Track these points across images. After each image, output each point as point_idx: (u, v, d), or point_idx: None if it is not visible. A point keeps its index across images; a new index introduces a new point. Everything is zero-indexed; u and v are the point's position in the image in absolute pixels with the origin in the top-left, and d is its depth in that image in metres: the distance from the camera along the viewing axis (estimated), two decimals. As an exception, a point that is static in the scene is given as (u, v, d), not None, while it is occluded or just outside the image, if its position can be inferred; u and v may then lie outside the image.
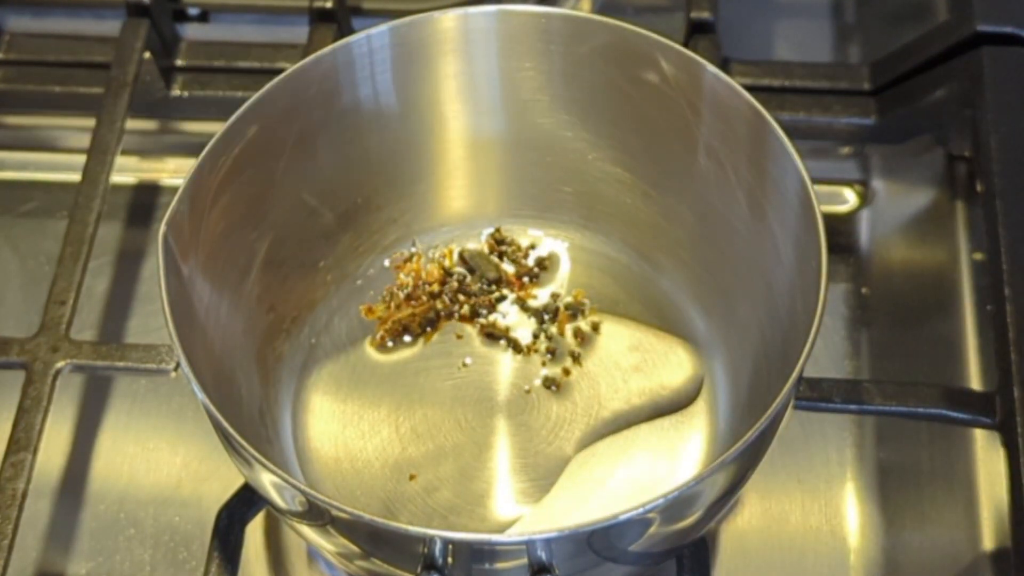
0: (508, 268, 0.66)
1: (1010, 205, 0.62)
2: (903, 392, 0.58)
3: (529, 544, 0.47)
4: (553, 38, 0.60)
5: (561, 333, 0.64)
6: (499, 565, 0.51)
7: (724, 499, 0.53)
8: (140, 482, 0.64)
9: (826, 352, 0.67)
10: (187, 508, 0.63)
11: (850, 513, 0.63)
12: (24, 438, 0.59)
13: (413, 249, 0.66)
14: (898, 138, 0.72)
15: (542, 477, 0.60)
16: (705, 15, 0.72)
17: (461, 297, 0.65)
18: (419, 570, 0.49)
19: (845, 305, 0.69)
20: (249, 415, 0.59)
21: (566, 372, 0.63)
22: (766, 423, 0.48)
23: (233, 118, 0.56)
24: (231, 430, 0.49)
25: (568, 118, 0.63)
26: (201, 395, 0.50)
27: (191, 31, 0.77)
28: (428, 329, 0.64)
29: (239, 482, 0.58)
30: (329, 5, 0.72)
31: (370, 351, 0.64)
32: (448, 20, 0.60)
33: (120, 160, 0.68)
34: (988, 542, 0.59)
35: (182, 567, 0.62)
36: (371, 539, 0.51)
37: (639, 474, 0.59)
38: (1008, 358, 0.58)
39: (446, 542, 0.48)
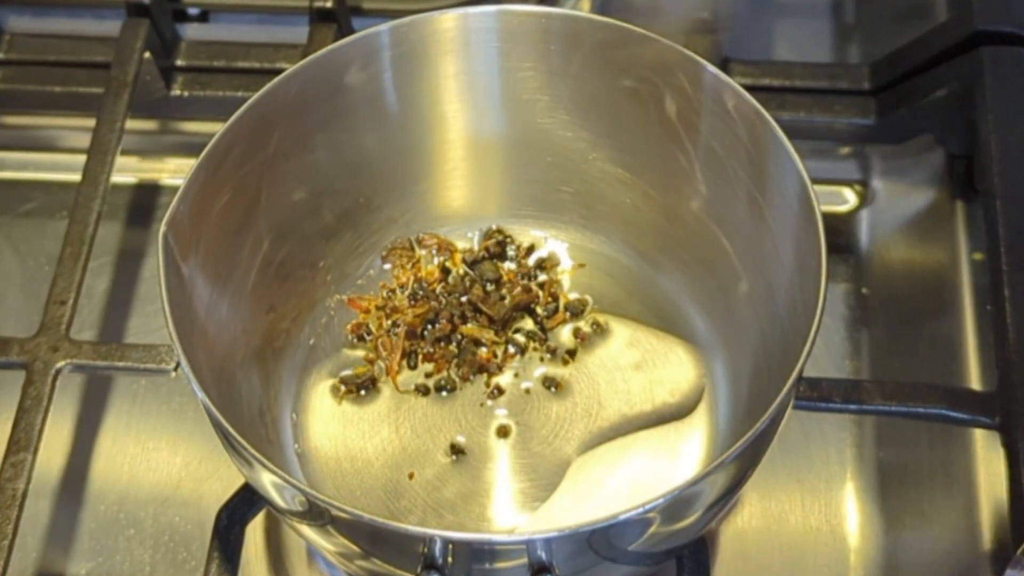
0: (508, 268, 0.66)
1: (1010, 205, 0.62)
2: (903, 392, 0.58)
3: (529, 544, 0.48)
4: (553, 38, 0.60)
5: (550, 328, 0.64)
6: (499, 565, 0.51)
7: (724, 499, 0.53)
8: (140, 482, 0.64)
9: (826, 352, 0.67)
10: (187, 508, 0.63)
11: (850, 513, 0.63)
12: (24, 438, 0.59)
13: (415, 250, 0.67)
14: (898, 138, 0.72)
15: (542, 477, 0.60)
16: (705, 15, 0.72)
17: (461, 298, 0.65)
18: (419, 570, 0.49)
19: (845, 305, 0.69)
20: (249, 415, 0.59)
21: (566, 369, 0.63)
22: (766, 423, 0.48)
23: (233, 118, 0.56)
24: (231, 430, 0.49)
25: (568, 118, 0.63)
26: (201, 395, 0.50)
27: (191, 31, 0.77)
28: (428, 329, 0.64)
29: (239, 482, 0.58)
30: (329, 5, 0.72)
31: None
32: (448, 20, 0.60)
33: (120, 160, 0.68)
34: (988, 542, 0.59)
35: (182, 567, 0.62)
36: (371, 539, 0.51)
37: (639, 474, 0.59)
38: (1008, 358, 0.58)
39: (446, 542, 0.48)
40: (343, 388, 0.62)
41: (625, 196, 0.64)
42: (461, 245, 0.67)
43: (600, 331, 0.64)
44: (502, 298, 0.65)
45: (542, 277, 0.66)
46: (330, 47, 0.60)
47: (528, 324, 0.64)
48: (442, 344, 0.63)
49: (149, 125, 0.76)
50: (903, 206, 0.73)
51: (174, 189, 0.56)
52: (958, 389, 0.61)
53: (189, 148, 0.74)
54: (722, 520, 0.62)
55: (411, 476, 0.60)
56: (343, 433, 0.61)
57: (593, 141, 0.64)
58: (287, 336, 0.63)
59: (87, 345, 0.62)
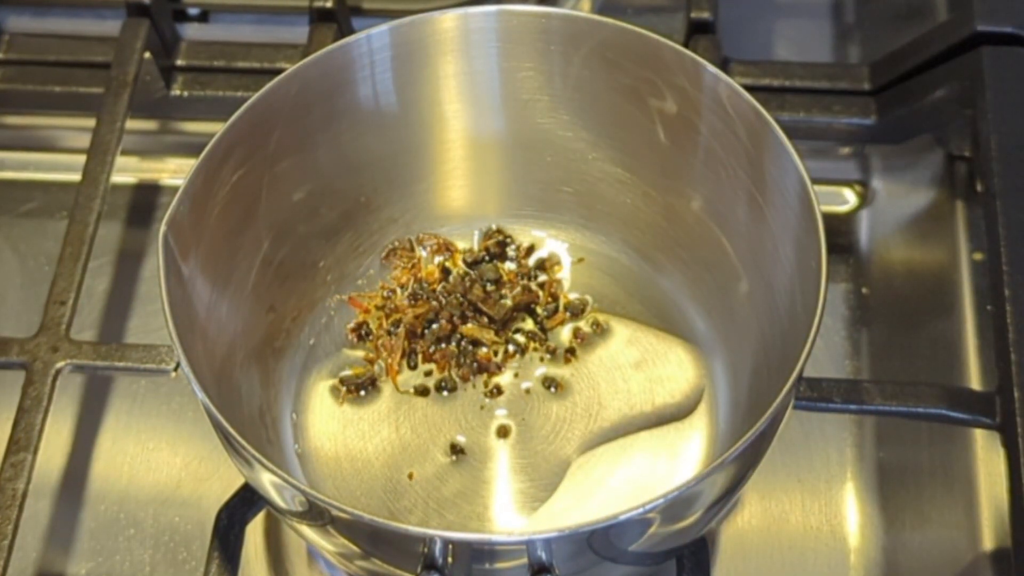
0: (509, 268, 0.66)
1: (1010, 205, 0.62)
2: (903, 392, 0.58)
3: (529, 544, 0.48)
4: (553, 38, 0.60)
5: (550, 328, 0.64)
6: (499, 565, 0.51)
7: (724, 499, 0.53)
8: (140, 482, 0.64)
9: (826, 352, 0.67)
10: (187, 508, 0.63)
11: (850, 513, 0.63)
12: (24, 438, 0.59)
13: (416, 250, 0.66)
14: (898, 138, 0.72)
15: (542, 477, 0.60)
16: (705, 15, 0.72)
17: (461, 298, 0.65)
18: (419, 570, 0.49)
19: (845, 305, 0.69)
20: (249, 415, 0.59)
21: (566, 369, 0.63)
22: (766, 423, 0.48)
23: (233, 118, 0.56)
24: (231, 430, 0.49)
25: (568, 118, 0.63)
26: (201, 395, 0.50)
27: (191, 31, 0.77)
28: (428, 329, 0.64)
29: (239, 482, 0.58)
30: (329, 5, 0.72)
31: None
32: (448, 20, 0.60)
33: (120, 160, 0.68)
34: (988, 542, 0.59)
35: (182, 567, 0.62)
36: (371, 539, 0.51)
37: (639, 474, 0.59)
38: (1008, 358, 0.58)
39: (446, 542, 0.48)
40: (343, 388, 0.62)
41: (625, 196, 0.64)
42: (461, 245, 0.67)
43: (600, 331, 0.64)
44: (502, 298, 0.65)
45: (542, 277, 0.66)
46: (330, 47, 0.60)
47: (528, 324, 0.64)
48: (442, 344, 0.63)
49: (149, 125, 0.76)
50: (903, 206, 0.72)
51: (174, 189, 0.56)
52: (958, 389, 0.61)
53: (189, 148, 0.74)
54: (722, 520, 0.62)
55: (411, 476, 0.60)
56: (343, 433, 0.61)
57: (593, 141, 0.64)
58: (287, 336, 0.63)
59: (87, 345, 0.62)
